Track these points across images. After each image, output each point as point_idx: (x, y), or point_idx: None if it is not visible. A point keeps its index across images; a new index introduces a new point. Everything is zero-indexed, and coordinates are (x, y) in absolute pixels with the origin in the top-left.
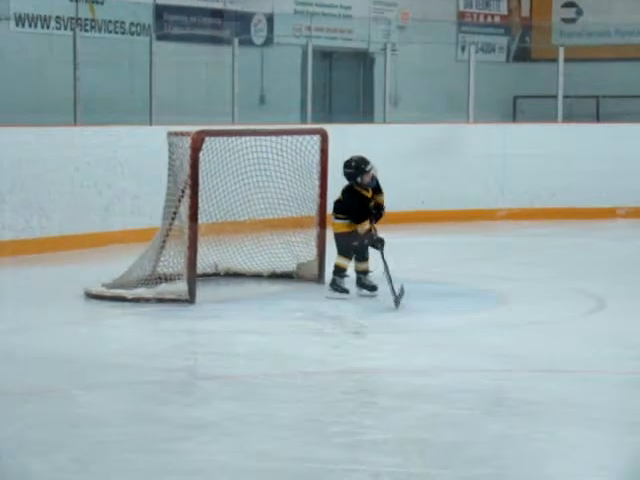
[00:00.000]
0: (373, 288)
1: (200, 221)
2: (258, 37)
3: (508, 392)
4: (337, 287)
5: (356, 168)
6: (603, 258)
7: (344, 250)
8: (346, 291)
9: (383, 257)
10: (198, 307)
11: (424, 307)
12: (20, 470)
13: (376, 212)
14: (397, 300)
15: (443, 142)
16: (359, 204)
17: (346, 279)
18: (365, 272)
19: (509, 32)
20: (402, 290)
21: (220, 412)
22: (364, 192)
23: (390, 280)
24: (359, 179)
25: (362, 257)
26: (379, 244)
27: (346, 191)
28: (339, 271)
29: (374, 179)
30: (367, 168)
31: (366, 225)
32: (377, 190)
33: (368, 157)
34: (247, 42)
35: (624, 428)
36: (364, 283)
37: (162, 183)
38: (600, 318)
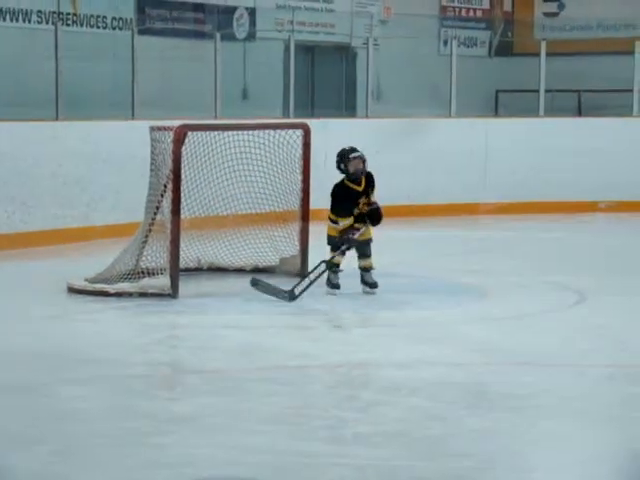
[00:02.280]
0: (373, 285)
1: (183, 216)
2: (240, 31)
3: (490, 385)
4: (329, 283)
5: (340, 155)
6: (584, 252)
7: (335, 247)
8: (337, 286)
9: (335, 255)
10: (181, 302)
11: (406, 301)
12: (4, 464)
13: (369, 213)
14: (292, 296)
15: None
16: (343, 197)
17: (340, 274)
18: (366, 269)
19: (491, 26)
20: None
21: (203, 406)
22: (354, 186)
23: (311, 279)
24: (342, 166)
25: (363, 254)
26: (347, 243)
27: (335, 185)
28: (331, 266)
29: (362, 170)
30: (351, 155)
31: (347, 221)
32: (371, 185)
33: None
34: (229, 36)
35: (605, 420)
36: (365, 280)
37: (144, 178)
38: (581, 312)
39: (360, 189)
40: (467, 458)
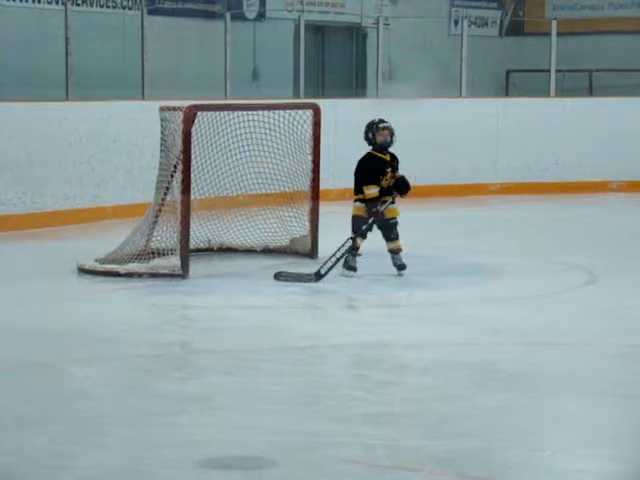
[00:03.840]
0: (401, 267)
1: (193, 196)
2: (250, 11)
3: (500, 365)
4: (346, 264)
5: (369, 125)
6: (595, 232)
7: (358, 228)
8: (353, 269)
9: (357, 231)
10: (191, 282)
11: (417, 281)
12: (14, 443)
13: (397, 182)
14: (319, 275)
15: None
16: (371, 166)
17: (358, 257)
18: (394, 251)
19: (502, 6)
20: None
21: (213, 386)
22: (381, 155)
23: (337, 257)
24: (370, 135)
25: (389, 237)
26: (374, 216)
27: (360, 159)
28: (351, 249)
29: (389, 142)
30: (380, 125)
31: (373, 190)
32: (396, 161)
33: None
34: (239, 17)
35: (614, 400)
36: (394, 262)
37: (154, 158)
38: (592, 291)
39: (387, 158)
40: (477, 437)
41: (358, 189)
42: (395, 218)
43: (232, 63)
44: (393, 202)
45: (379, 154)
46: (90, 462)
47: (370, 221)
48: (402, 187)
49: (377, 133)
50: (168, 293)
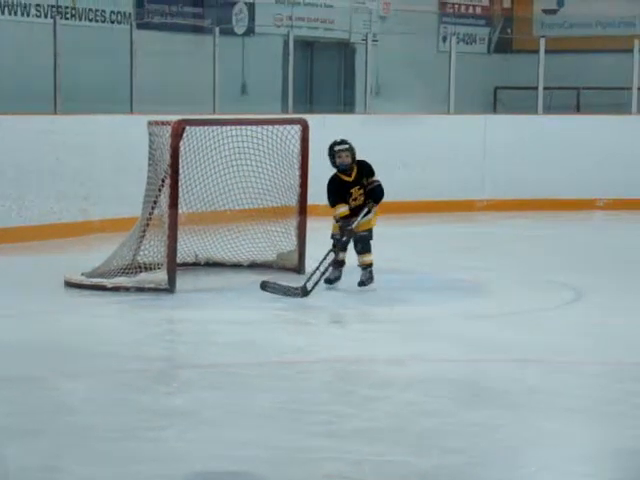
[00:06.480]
0: (359, 284)
1: (180, 211)
2: (239, 27)
3: (485, 382)
4: (326, 278)
5: (329, 148)
6: (582, 249)
7: (337, 243)
8: (329, 282)
9: (334, 249)
10: (178, 296)
11: (402, 297)
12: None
13: (369, 191)
14: (305, 291)
15: None
16: (335, 187)
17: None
18: (362, 265)
19: (490, 23)
20: (309, 287)
21: (199, 401)
22: (344, 177)
23: (321, 270)
24: (330, 158)
25: (357, 250)
26: (347, 234)
27: (329, 179)
28: (334, 262)
29: (348, 163)
30: (336, 148)
31: (341, 209)
32: (368, 173)
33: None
34: (228, 31)
35: (600, 418)
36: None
37: (142, 172)
38: (578, 309)
39: (350, 179)
40: (461, 454)
41: (329, 204)
42: (367, 231)
43: (221, 78)
44: (369, 212)
45: (342, 176)
46: (75, 476)
47: (344, 239)
48: (375, 196)
49: (335, 155)
50: (155, 307)
